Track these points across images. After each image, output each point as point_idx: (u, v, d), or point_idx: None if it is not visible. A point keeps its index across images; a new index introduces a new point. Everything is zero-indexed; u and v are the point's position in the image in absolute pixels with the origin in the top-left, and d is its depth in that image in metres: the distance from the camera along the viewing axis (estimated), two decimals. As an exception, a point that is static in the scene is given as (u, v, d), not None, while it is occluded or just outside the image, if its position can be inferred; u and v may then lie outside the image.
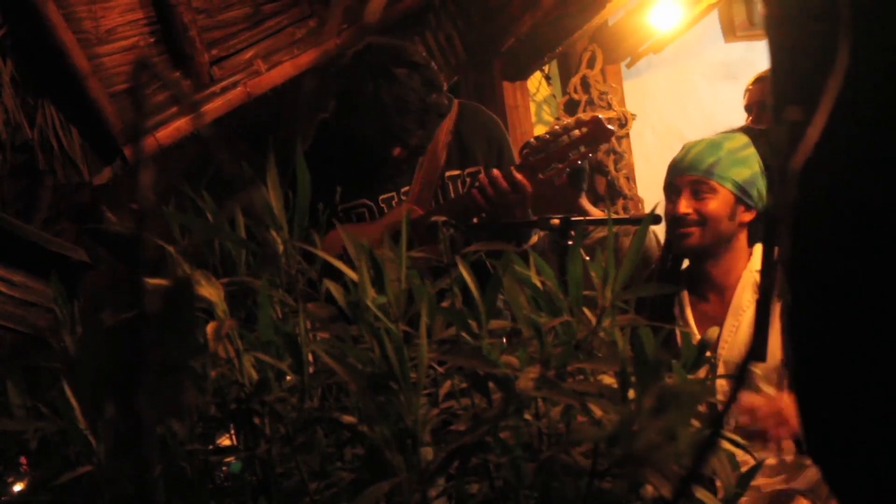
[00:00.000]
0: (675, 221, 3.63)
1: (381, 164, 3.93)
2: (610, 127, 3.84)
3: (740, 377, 1.12)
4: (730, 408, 0.96)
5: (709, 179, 3.61)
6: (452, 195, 3.91)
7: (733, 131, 3.89)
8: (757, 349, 0.98)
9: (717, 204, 3.60)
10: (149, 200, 0.95)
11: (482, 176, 3.75)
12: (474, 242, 1.80)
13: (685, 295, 3.69)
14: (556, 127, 3.92)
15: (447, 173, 3.93)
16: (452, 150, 3.95)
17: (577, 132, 3.77)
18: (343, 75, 3.85)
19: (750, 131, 3.92)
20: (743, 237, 3.66)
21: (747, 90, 6.13)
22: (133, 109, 5.59)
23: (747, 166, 3.64)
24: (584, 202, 4.91)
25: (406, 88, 3.76)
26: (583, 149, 3.77)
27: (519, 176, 3.70)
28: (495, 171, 3.72)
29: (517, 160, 3.93)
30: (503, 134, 4.06)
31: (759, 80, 6.08)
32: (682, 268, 3.82)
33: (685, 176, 3.64)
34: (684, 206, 3.60)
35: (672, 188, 3.69)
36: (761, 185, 3.63)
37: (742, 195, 3.61)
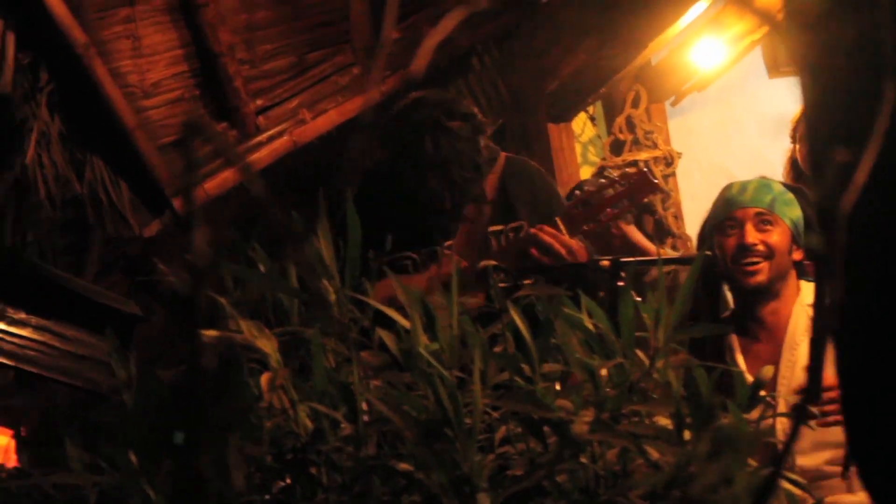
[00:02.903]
0: (742, 251, 3.64)
1: (428, 218, 3.93)
2: (655, 181, 3.86)
3: (798, 415, 1.12)
4: (791, 447, 0.96)
5: (773, 212, 3.65)
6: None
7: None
8: (812, 391, 0.98)
9: (779, 237, 3.65)
10: (204, 254, 0.96)
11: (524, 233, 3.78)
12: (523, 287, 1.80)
13: (734, 338, 3.68)
14: (604, 180, 3.91)
15: (490, 228, 3.93)
16: (497, 205, 3.95)
17: (621, 186, 3.79)
18: (396, 132, 3.87)
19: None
20: (794, 275, 3.68)
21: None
22: (182, 165, 5.63)
23: (797, 207, 3.71)
24: (635, 233, 4.84)
25: (462, 141, 3.79)
26: (626, 203, 3.79)
27: (551, 240, 3.70)
28: (533, 231, 3.73)
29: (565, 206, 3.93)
30: (550, 188, 4.06)
31: None
32: (723, 311, 3.87)
33: (749, 209, 3.67)
34: (753, 236, 3.61)
35: (727, 224, 3.69)
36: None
37: (796, 233, 3.67)
